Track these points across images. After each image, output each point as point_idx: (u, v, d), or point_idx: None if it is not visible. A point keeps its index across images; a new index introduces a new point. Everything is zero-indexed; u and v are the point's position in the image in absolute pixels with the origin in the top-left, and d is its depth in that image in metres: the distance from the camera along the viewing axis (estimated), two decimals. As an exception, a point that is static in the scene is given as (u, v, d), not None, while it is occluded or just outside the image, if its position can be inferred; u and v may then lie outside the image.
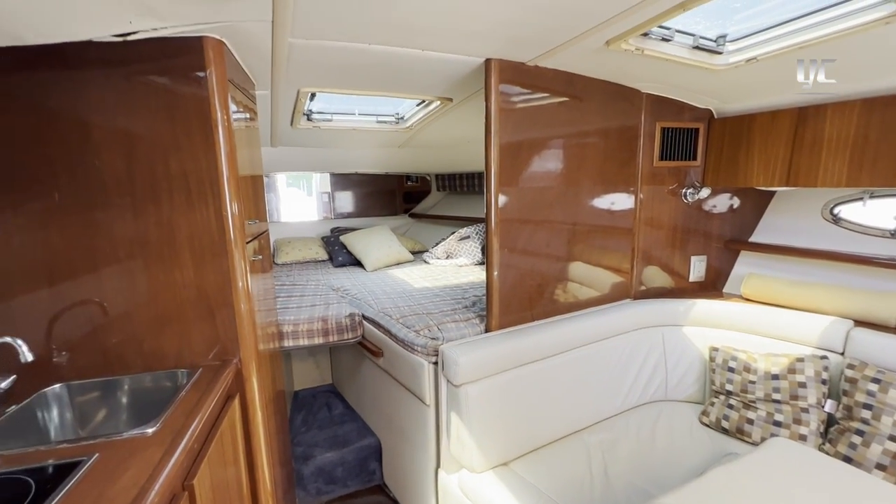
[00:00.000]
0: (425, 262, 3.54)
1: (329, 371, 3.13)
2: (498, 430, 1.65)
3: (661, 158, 2.14)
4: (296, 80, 1.78)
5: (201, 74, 1.27)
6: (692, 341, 2.10)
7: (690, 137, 2.16)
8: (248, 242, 1.48)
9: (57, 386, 1.28)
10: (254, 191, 1.68)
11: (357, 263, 3.43)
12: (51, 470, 0.92)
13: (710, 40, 1.57)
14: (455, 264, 3.32)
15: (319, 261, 3.61)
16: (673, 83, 1.91)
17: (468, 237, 3.42)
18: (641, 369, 2.05)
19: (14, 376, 1.23)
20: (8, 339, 1.16)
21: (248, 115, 1.66)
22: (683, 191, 2.20)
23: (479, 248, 3.31)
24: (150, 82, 1.26)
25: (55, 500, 0.80)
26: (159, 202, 1.32)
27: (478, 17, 1.25)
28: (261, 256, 1.62)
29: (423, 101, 2.34)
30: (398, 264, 3.43)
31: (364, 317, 2.21)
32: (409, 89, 2.04)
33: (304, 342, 2.07)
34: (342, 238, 3.52)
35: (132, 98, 1.26)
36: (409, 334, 1.83)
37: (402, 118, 2.79)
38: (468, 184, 4.00)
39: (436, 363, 1.71)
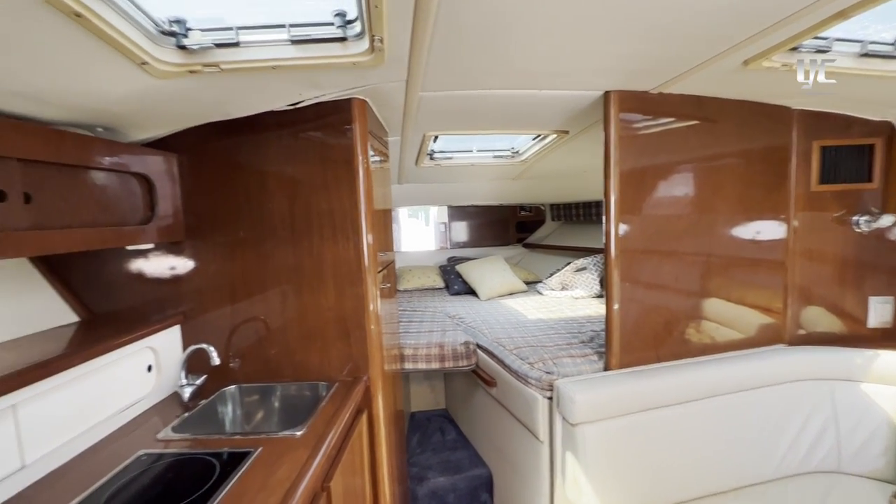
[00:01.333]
0: (538, 292, 3.50)
1: (443, 396, 3.23)
2: (619, 478, 1.53)
3: (822, 181, 1.84)
4: (422, 126, 1.98)
5: (348, 128, 1.51)
6: (876, 402, 1.70)
7: (863, 156, 1.82)
8: (378, 271, 1.66)
9: (232, 387, 1.57)
10: (384, 224, 1.88)
11: (471, 292, 3.54)
12: (226, 456, 1.12)
13: (888, 44, 1.34)
14: (570, 296, 3.21)
15: (437, 288, 3.81)
16: (835, 96, 1.66)
17: (585, 268, 3.29)
18: (803, 430, 1.72)
19: (206, 376, 1.54)
20: (204, 346, 1.47)
21: (381, 159, 1.89)
22: (855, 218, 1.85)
23: (597, 279, 3.16)
24: (309, 137, 1.54)
25: (233, 482, 0.99)
26: (311, 236, 1.57)
27: (597, 55, 1.27)
28: (389, 284, 1.79)
29: (539, 135, 2.39)
30: (511, 294, 3.44)
31: (478, 345, 2.26)
32: (526, 126, 2.11)
33: (422, 366, 2.20)
34: (458, 267, 3.68)
35: (296, 151, 1.54)
36: (522, 366, 1.83)
37: (517, 152, 2.87)
38: (585, 213, 3.89)
39: (551, 398, 1.67)
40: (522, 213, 4.68)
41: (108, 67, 0.95)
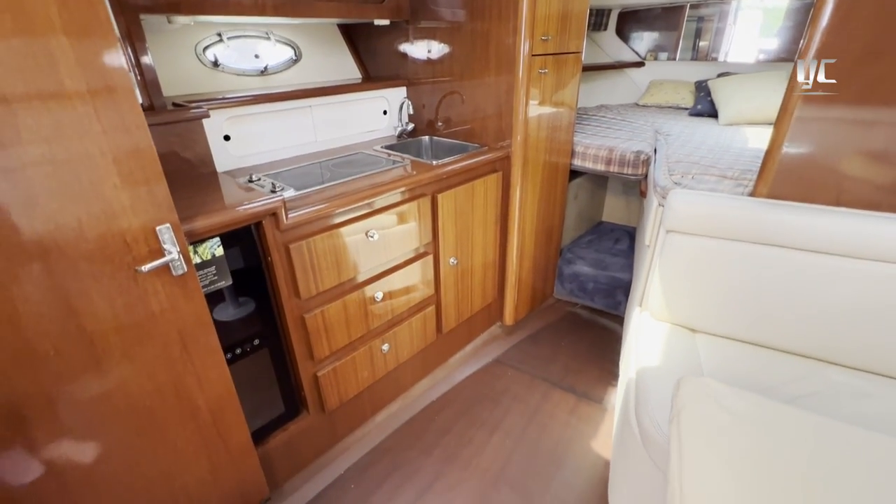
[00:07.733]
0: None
1: (637, 214, 3.23)
2: (693, 289, 1.53)
3: None
4: None
5: None
6: None
7: None
8: (535, 56, 1.83)
9: (427, 137, 2.26)
10: (562, 15, 1.90)
11: (716, 115, 2.97)
12: (392, 157, 1.83)
13: None
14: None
15: (681, 108, 3.33)
16: None
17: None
18: None
19: (413, 125, 2.27)
20: (406, 100, 2.14)
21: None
22: None
23: None
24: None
25: (382, 169, 1.69)
26: (483, 18, 1.85)
27: None
28: (546, 70, 1.94)
29: None
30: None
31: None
32: None
33: (588, 165, 2.35)
34: (710, 82, 3.04)
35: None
36: (660, 176, 1.78)
37: None
38: None
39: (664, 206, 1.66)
40: None
41: None
